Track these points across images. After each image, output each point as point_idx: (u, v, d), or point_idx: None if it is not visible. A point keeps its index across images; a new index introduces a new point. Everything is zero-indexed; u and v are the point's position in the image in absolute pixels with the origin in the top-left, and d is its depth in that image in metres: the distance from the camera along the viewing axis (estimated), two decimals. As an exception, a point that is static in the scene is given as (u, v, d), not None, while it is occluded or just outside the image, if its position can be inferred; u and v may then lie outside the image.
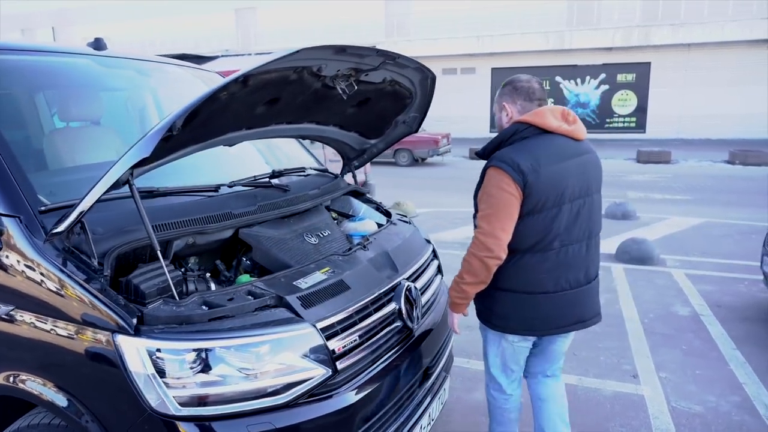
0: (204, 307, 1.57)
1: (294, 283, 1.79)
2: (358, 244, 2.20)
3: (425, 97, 2.66)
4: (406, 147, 15.23)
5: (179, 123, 1.43)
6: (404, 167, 15.37)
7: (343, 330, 1.77)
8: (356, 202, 2.76)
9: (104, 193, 1.50)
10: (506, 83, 2.14)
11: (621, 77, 23.74)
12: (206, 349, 1.48)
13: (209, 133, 1.79)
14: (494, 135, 2.13)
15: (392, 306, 2.04)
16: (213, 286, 1.83)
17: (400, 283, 2.14)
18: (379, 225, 2.63)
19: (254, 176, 2.33)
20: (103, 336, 1.48)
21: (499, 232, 1.92)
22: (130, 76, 2.68)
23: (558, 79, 24.49)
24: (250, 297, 1.67)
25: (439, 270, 2.69)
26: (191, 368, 1.46)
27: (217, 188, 2.10)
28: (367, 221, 2.57)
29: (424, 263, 2.45)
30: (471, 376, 3.44)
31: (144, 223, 1.56)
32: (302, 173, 2.73)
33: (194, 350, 1.47)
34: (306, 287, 1.79)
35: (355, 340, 1.79)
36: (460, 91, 24.60)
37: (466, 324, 4.34)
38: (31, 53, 2.29)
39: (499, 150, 2.02)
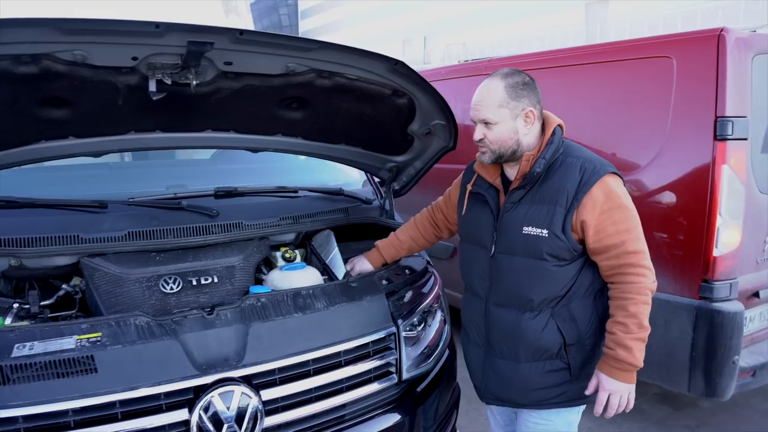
0: None
1: (17, 345, 1.35)
2: (205, 309, 1.54)
3: (429, 95, 1.75)
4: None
5: None
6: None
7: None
8: (332, 243, 2.00)
9: None
10: (512, 79, 1.55)
11: None
12: None
13: None
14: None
15: (178, 416, 1.36)
16: (8, 321, 1.56)
17: (224, 381, 1.41)
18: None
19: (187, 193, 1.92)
20: None
21: None
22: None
23: None
24: None
25: (400, 370, 1.71)
26: None
27: (104, 204, 1.81)
28: (296, 273, 1.81)
29: (331, 356, 1.58)
30: None
31: None
32: (290, 194, 2.15)
33: None
34: (19, 355, 1.32)
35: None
36: None
37: None
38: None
39: (562, 160, 1.56)
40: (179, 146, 1.86)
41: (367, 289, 1.78)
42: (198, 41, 1.31)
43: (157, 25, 1.25)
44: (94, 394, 1.30)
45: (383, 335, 1.69)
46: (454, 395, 1.98)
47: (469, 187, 1.73)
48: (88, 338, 1.40)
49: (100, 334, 1.42)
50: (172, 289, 1.67)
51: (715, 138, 2.38)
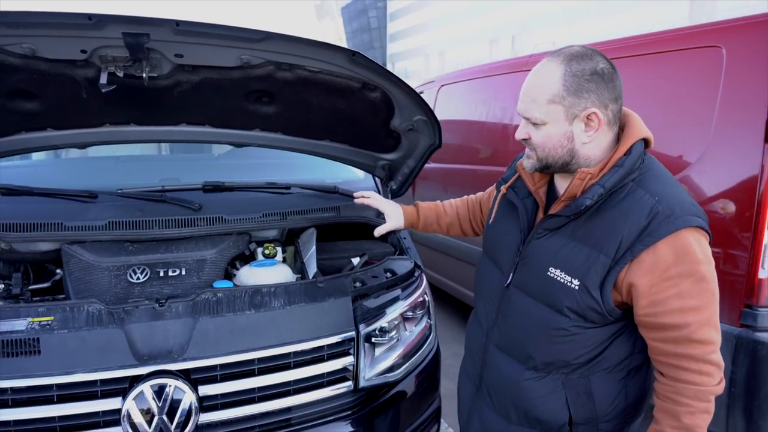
0: None
1: None
2: (160, 300, 1.55)
3: (399, 88, 1.67)
4: None
5: None
6: None
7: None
8: (312, 242, 1.95)
9: None
10: (577, 65, 1.12)
11: None
12: None
13: None
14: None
15: (111, 404, 1.37)
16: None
17: (160, 373, 1.40)
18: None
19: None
20: None
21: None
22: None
23: None
24: None
25: (357, 377, 1.62)
26: None
27: (93, 194, 1.89)
28: (262, 270, 1.78)
29: (279, 357, 1.52)
30: None
31: None
32: (282, 190, 2.13)
33: None
34: None
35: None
36: None
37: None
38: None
39: (629, 191, 1.14)
40: (157, 140, 1.91)
41: (333, 291, 1.71)
42: (132, 33, 1.32)
43: (90, 17, 1.27)
44: (33, 375, 1.35)
45: (340, 339, 1.61)
46: (429, 409, 1.86)
47: (503, 189, 1.37)
48: (40, 321, 1.46)
49: (52, 318, 1.47)
50: (138, 279, 1.70)
51: (767, 141, 2.06)
